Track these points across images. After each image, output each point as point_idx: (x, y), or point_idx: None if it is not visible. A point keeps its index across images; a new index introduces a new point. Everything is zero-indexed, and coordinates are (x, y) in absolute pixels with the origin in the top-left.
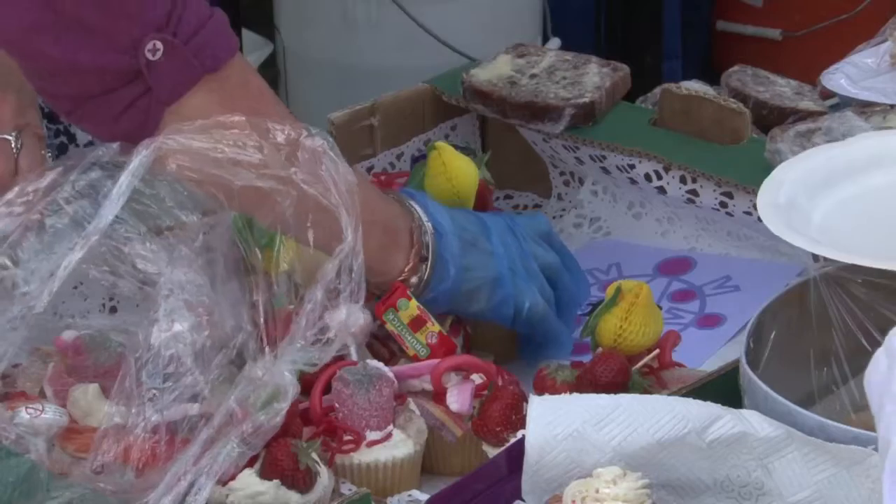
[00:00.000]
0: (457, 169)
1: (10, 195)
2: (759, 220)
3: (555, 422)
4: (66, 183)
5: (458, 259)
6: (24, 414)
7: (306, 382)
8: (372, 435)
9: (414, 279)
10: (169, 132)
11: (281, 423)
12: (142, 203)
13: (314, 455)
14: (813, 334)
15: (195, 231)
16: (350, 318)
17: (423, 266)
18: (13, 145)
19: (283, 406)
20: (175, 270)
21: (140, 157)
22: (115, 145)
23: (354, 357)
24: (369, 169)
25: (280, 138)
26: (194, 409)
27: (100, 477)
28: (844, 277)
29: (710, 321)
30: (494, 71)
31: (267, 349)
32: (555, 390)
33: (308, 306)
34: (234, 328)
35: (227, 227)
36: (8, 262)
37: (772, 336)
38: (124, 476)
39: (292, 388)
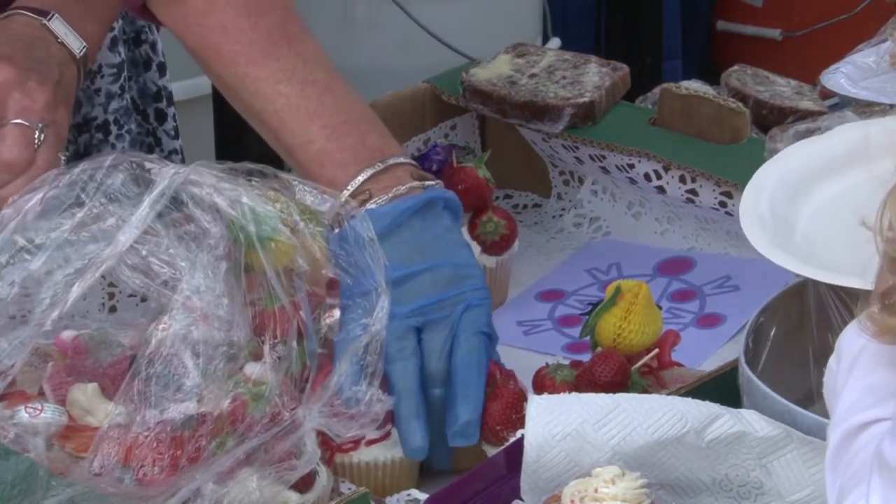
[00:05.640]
0: None
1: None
2: None
3: (554, 421)
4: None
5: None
6: (23, 413)
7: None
8: (371, 434)
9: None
10: (198, 164)
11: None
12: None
13: None
14: (812, 334)
15: (216, 238)
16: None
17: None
18: (36, 137)
19: (304, 468)
20: (196, 275)
21: (162, 187)
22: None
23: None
24: None
25: (320, 205)
26: (193, 408)
27: (99, 478)
28: None
29: (709, 321)
30: (494, 70)
31: (266, 349)
32: (554, 390)
33: (335, 377)
34: (233, 327)
35: (226, 225)
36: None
37: (771, 335)
38: (124, 479)
39: (313, 453)
